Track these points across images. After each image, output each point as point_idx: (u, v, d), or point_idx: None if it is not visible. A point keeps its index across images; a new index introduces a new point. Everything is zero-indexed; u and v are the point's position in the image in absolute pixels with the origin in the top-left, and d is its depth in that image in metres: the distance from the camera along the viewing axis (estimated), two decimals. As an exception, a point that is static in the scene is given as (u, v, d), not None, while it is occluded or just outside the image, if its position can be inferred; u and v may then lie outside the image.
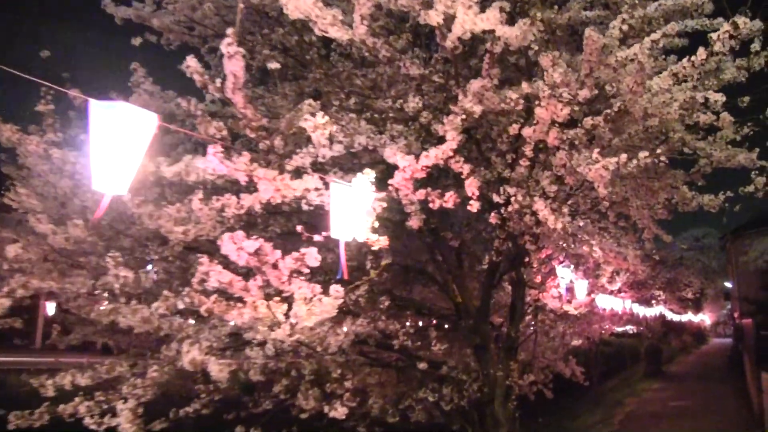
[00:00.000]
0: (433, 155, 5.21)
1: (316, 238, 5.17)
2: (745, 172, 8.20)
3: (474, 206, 5.66)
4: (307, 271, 4.81)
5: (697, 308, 59.43)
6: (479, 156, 7.72)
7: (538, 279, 10.55)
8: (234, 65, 5.21)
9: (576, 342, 14.57)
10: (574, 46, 7.90)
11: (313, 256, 4.72)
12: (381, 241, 5.30)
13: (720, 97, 5.81)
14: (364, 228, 5.08)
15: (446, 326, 11.40)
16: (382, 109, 7.11)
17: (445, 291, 10.73)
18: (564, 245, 9.79)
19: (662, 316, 42.04)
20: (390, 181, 5.49)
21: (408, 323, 9.78)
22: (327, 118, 5.15)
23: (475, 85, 5.39)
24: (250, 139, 6.53)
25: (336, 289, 4.86)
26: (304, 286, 4.87)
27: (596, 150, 5.37)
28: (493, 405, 9.88)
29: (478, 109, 5.39)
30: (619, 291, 23.17)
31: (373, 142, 6.16)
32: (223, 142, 5.74)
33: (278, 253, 4.70)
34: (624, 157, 5.23)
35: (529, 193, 6.20)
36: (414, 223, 6.33)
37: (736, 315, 40.68)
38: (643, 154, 5.27)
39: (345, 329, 7.48)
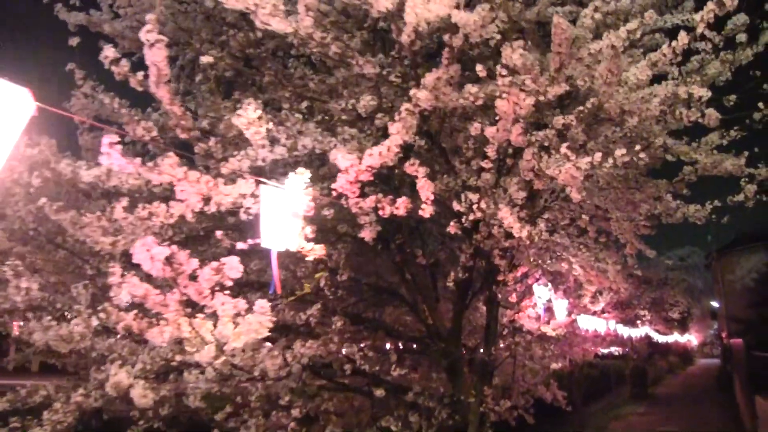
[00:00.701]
0: (377, 153, 4.56)
1: (240, 247, 4.54)
2: (733, 181, 7.70)
3: (426, 211, 5.01)
4: (230, 283, 4.14)
5: (683, 328, 59.05)
6: (446, 164, 7.11)
7: (514, 298, 9.92)
8: (155, 55, 4.59)
9: (555, 365, 13.90)
10: (545, 47, 7.36)
11: (233, 267, 4.05)
12: (316, 251, 4.66)
13: (705, 92, 5.21)
14: (297, 235, 4.43)
15: (415, 349, 10.81)
16: (333, 111, 6.49)
17: (416, 312, 10.12)
18: (539, 262, 9.17)
19: (648, 337, 41.57)
20: (333, 186, 4.85)
21: (368, 345, 9.03)
22: (259, 112, 4.50)
23: (429, 77, 4.76)
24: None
25: (261, 305, 4.19)
26: (228, 301, 4.19)
27: (565, 145, 4.73)
28: (466, 433, 9.28)
29: (427, 100, 4.75)
30: (603, 311, 22.65)
31: (321, 145, 5.52)
32: (156, 143, 5.13)
33: (195, 262, 4.03)
34: (598, 156, 4.62)
35: (494, 201, 5.57)
36: (366, 234, 5.69)
37: (723, 335, 40.12)
38: (620, 152, 4.66)
39: (296, 351, 6.81)
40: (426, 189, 4.89)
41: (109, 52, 4.81)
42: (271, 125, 4.84)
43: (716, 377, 39.73)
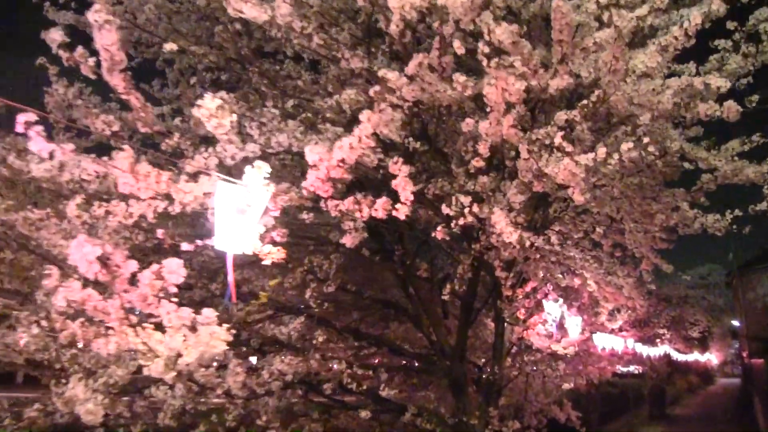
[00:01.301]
0: (347, 145, 4.05)
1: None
2: (755, 191, 7.16)
3: (401, 212, 4.47)
4: (174, 289, 3.63)
5: (704, 347, 58.20)
6: (444, 167, 6.60)
7: (522, 314, 9.37)
8: (106, 38, 4.11)
9: (568, 385, 13.31)
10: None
11: (174, 271, 3.53)
12: (275, 254, 4.15)
13: (724, 83, 4.68)
14: (254, 237, 3.92)
15: (419, 367, 10.29)
16: (320, 109, 5.99)
17: (420, 328, 9.61)
18: (549, 276, 8.61)
19: (667, 356, 40.80)
20: (304, 184, 4.33)
21: (358, 363, 8.48)
22: (219, 101, 4.01)
23: (411, 64, 4.25)
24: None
25: (207, 316, 3.67)
26: (174, 310, 3.67)
27: (560, 134, 4.19)
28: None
29: (411, 92, 4.23)
30: (620, 329, 22.03)
31: (299, 143, 5.02)
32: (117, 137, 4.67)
33: (133, 264, 3.52)
34: (603, 151, 4.09)
35: (489, 205, 5.04)
36: (348, 241, 5.18)
37: (744, 354, 39.21)
38: (626, 146, 4.11)
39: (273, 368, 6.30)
40: (404, 188, 4.36)
41: (56, 35, 4.34)
42: (237, 119, 4.33)
43: (737, 398, 38.83)
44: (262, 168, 3.84)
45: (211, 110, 4.05)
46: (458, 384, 9.13)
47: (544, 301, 9.99)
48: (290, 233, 7.45)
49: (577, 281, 10.46)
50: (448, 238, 5.46)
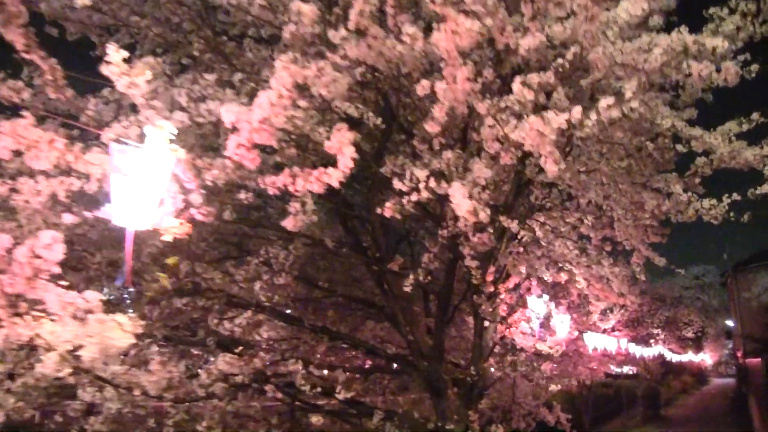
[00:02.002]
0: (266, 101, 3.39)
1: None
2: (753, 176, 6.56)
3: (334, 177, 3.79)
4: (57, 270, 2.99)
5: (698, 348, 57.96)
6: (409, 146, 5.97)
7: (504, 311, 8.73)
8: (-5, -16, 3.48)
9: (555, 387, 12.71)
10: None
11: (50, 246, 2.88)
12: (178, 228, 3.52)
13: (721, 43, 4.06)
14: (156, 209, 3.28)
15: (396, 369, 9.68)
16: (264, 79, 5.33)
17: (396, 327, 8.98)
18: (531, 271, 7.99)
19: (661, 356, 40.31)
20: (226, 153, 3.68)
21: (314, 363, 7.82)
22: (125, 54, 3.37)
23: (352, 14, 3.61)
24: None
25: (88, 299, 3.02)
26: (58, 294, 3.03)
27: (519, 80, 3.55)
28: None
29: (355, 49, 3.60)
30: (613, 329, 21.46)
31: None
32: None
33: (5, 239, 2.88)
34: (578, 111, 3.45)
35: (445, 177, 4.39)
36: (289, 224, 4.52)
37: (739, 354, 38.55)
38: (606, 102, 3.50)
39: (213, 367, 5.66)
40: (341, 151, 3.69)
41: None
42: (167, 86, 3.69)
43: (732, 398, 38.21)
44: (165, 128, 3.20)
45: (119, 65, 3.41)
46: (436, 386, 8.53)
47: (527, 297, 9.33)
48: (243, 220, 6.89)
49: (563, 276, 9.86)
50: (399, 217, 4.83)
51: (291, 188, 3.87)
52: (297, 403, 7.88)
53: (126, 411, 5.78)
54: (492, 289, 7.99)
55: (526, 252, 8.55)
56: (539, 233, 7.92)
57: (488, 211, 4.08)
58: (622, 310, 18.75)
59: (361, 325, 10.60)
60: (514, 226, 6.01)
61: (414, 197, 4.26)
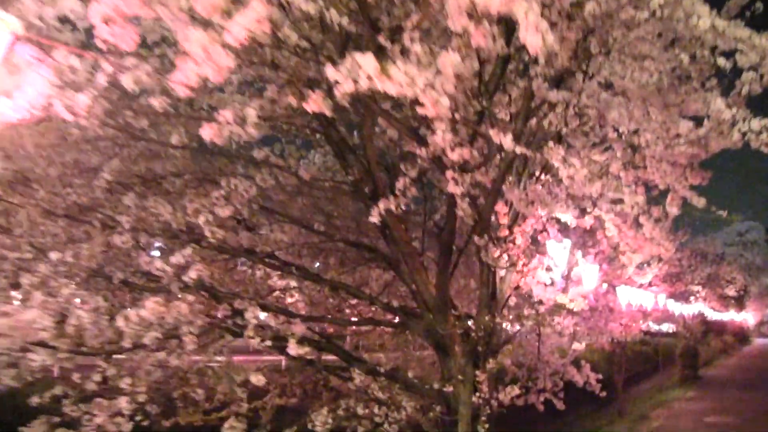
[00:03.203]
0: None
1: None
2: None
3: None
4: None
5: (740, 306, 56.58)
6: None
7: (517, 256, 7.62)
8: None
9: (579, 345, 11.70)
10: None
11: None
12: None
13: None
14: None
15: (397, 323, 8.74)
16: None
17: (400, 276, 7.98)
18: (542, 208, 6.86)
19: (701, 315, 38.98)
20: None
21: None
22: None
23: None
24: None
25: None
26: None
27: None
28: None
29: None
30: (650, 284, 20.21)
31: None
32: None
33: None
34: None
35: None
36: (207, 133, 3.49)
37: (784, 314, 37.17)
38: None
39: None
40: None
41: None
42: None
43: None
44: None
45: None
46: (441, 342, 7.55)
47: (547, 242, 8.17)
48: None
49: (588, 220, 8.73)
50: (328, 114, 3.74)
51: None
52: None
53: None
54: (503, 231, 6.98)
55: (545, 189, 7.46)
56: (556, 162, 6.68)
57: (447, 102, 3.01)
58: (660, 264, 17.55)
59: (367, 275, 9.68)
60: (519, 149, 4.91)
61: (348, 86, 3.14)
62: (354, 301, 9.24)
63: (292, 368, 9.33)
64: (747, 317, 66.48)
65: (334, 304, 9.19)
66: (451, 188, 5.11)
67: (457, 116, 3.38)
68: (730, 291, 45.40)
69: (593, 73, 5.78)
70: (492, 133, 4.69)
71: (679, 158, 6.73)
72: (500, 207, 7.57)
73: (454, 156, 4.53)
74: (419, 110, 3.23)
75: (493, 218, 7.05)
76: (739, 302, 54.68)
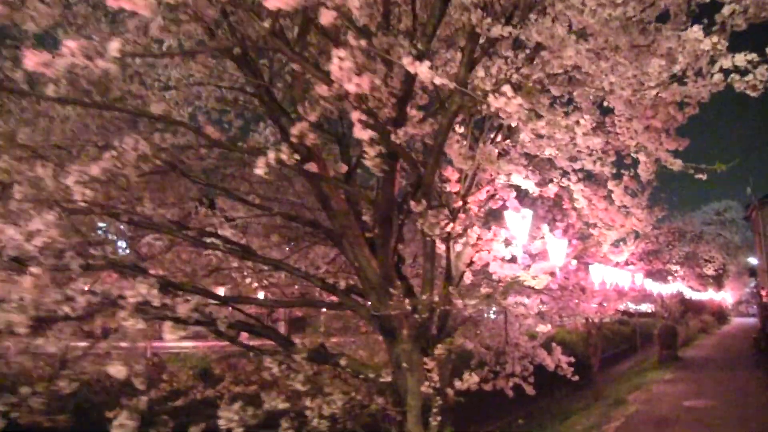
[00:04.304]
0: None
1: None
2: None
3: None
4: None
5: (719, 286, 56.47)
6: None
7: (464, 227, 6.71)
8: None
9: (544, 327, 10.93)
10: None
11: None
12: None
13: None
14: None
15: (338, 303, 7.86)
16: None
17: (342, 251, 7.10)
18: (490, 169, 5.91)
19: (680, 294, 38.40)
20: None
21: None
22: None
23: None
24: None
25: None
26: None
27: None
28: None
29: None
30: (627, 263, 19.43)
31: None
32: None
33: None
34: None
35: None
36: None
37: (763, 293, 36.51)
38: None
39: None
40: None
41: None
42: None
43: (755, 339, 36.17)
44: None
45: None
46: (387, 326, 6.67)
47: (505, 212, 7.21)
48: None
49: (552, 189, 7.83)
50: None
51: None
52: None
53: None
54: (461, 203, 6.12)
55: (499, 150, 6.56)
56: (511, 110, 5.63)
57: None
58: (636, 241, 16.78)
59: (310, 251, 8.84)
60: (453, 85, 3.98)
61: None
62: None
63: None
64: (725, 296, 66.64)
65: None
66: (358, 132, 4.15)
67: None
68: (709, 270, 44.95)
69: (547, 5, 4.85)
70: (406, 61, 3.76)
71: (654, 122, 6.03)
72: (451, 173, 6.69)
73: (351, 87, 3.59)
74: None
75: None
76: (718, 281, 54.55)
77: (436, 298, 5.93)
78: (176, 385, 7.78)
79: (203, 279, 7.54)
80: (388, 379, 6.38)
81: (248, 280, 8.29)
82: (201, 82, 6.86)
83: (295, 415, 6.27)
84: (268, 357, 6.46)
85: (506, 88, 4.32)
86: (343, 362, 6.51)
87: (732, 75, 4.62)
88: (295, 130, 4.40)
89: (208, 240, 6.70)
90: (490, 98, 4.45)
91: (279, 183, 8.59)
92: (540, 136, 6.22)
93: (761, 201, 34.06)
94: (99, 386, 10.88)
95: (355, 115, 4.07)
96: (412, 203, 5.76)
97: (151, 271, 6.86)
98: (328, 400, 6.31)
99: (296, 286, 8.93)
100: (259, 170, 4.17)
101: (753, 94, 4.65)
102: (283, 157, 4.15)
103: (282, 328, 25.81)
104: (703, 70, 4.60)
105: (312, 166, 5.81)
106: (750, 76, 4.55)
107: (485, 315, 13.83)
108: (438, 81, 3.67)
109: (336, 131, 7.62)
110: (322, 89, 4.00)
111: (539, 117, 4.91)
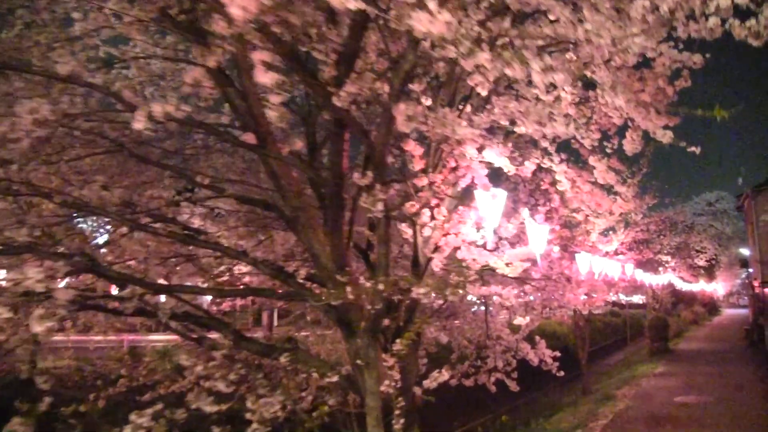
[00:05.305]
0: None
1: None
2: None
3: None
4: None
5: (710, 276, 56.33)
6: None
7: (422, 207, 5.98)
8: None
9: (522, 319, 10.36)
10: None
11: None
12: None
13: None
14: None
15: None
16: None
17: (297, 236, 6.37)
18: (449, 135, 5.09)
19: (671, 285, 37.98)
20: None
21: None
22: None
23: None
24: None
25: None
26: None
27: None
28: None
29: None
30: (616, 252, 18.81)
31: None
32: None
33: None
34: None
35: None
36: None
37: (755, 283, 35.90)
38: None
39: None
40: None
41: None
42: None
43: (746, 330, 35.73)
44: None
45: None
46: (344, 317, 5.96)
47: (474, 191, 6.43)
48: None
49: (528, 166, 7.08)
50: None
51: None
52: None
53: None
54: (420, 179, 5.40)
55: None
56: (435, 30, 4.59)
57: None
58: (626, 230, 16.19)
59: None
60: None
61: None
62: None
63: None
64: (717, 287, 66.60)
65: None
66: (260, 76, 3.32)
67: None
68: (700, 261, 44.70)
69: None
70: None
71: (643, 96, 5.45)
72: (414, 148, 5.95)
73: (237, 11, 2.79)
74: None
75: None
76: (709, 272, 54.45)
77: (381, 286, 5.17)
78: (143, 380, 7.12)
79: (155, 267, 6.96)
80: (335, 378, 5.66)
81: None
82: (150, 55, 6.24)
83: (226, 419, 5.55)
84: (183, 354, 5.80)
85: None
86: (283, 359, 5.75)
87: (730, 20, 3.88)
88: (188, 78, 3.64)
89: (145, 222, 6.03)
90: (414, 17, 3.57)
91: (244, 166, 8.07)
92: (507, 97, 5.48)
93: (754, 191, 33.41)
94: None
95: (257, 56, 3.25)
96: (355, 175, 5.01)
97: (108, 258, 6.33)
98: (263, 402, 5.56)
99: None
100: (138, 124, 3.40)
101: (755, 44, 3.91)
102: (170, 109, 3.38)
103: (264, 319, 25.18)
104: (695, 11, 3.82)
105: (249, 137, 5.09)
106: (752, 21, 3.82)
107: (472, 309, 13.27)
108: (353, 5, 2.86)
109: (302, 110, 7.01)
110: (220, 26, 3.21)
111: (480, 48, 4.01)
